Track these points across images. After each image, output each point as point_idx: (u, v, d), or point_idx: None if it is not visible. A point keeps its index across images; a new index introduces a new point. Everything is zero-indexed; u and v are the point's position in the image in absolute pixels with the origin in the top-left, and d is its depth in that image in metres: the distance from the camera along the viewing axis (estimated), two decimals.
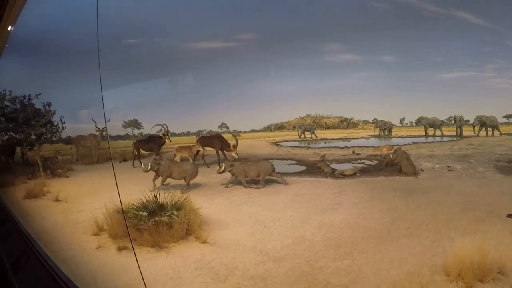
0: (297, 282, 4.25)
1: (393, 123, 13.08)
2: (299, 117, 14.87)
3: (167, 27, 11.25)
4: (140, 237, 5.52)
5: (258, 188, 8.44)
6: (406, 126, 13.28)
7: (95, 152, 12.35)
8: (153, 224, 5.59)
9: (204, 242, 5.46)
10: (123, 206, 6.51)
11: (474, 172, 8.75)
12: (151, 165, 8.24)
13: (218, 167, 8.84)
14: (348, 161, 10.80)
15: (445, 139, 12.08)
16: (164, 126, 11.10)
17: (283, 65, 12.04)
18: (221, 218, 6.59)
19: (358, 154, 11.35)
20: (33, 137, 10.27)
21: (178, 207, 6.13)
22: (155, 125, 11.12)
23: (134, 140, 12.08)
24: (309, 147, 12.87)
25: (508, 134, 11.41)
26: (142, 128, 13.94)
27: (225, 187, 8.64)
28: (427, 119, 12.34)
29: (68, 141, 12.55)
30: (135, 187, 9.03)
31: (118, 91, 11.35)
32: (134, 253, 5.28)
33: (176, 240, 5.56)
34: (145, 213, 5.95)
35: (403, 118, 13.17)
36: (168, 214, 5.86)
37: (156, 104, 12.65)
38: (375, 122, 13.65)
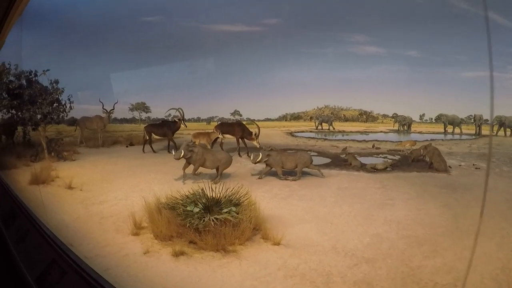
0: (405, 284, 3.81)
1: (413, 119, 12.97)
2: (317, 107, 14.30)
3: (189, 6, 10.21)
4: (200, 240, 4.67)
5: (295, 180, 7.88)
6: (425, 122, 13.16)
7: (100, 135, 11.19)
8: (216, 224, 4.87)
9: (278, 243, 4.72)
10: (162, 199, 5.79)
11: (500, 171, 8.73)
12: (184, 152, 7.34)
13: (252, 157, 8.10)
14: (370, 155, 10.51)
15: (463, 137, 12.15)
16: (180, 110, 10.17)
17: (304, 53, 11.41)
18: (276, 214, 5.82)
19: (378, 148, 11.13)
20: (39, 116, 8.97)
21: (235, 202, 5.45)
22: (170, 109, 10.17)
23: (142, 124, 11.03)
24: (326, 139, 12.41)
25: None
26: (150, 112, 12.86)
27: (259, 178, 7.98)
28: (447, 116, 12.28)
29: (72, 122, 11.34)
30: (155, 175, 8.23)
31: (128, 73, 10.31)
32: None
33: (242, 242, 4.76)
34: (198, 209, 5.22)
35: (423, 114, 13.03)
36: (226, 211, 5.16)
37: (166, 87, 11.63)
38: (395, 116, 13.45)
